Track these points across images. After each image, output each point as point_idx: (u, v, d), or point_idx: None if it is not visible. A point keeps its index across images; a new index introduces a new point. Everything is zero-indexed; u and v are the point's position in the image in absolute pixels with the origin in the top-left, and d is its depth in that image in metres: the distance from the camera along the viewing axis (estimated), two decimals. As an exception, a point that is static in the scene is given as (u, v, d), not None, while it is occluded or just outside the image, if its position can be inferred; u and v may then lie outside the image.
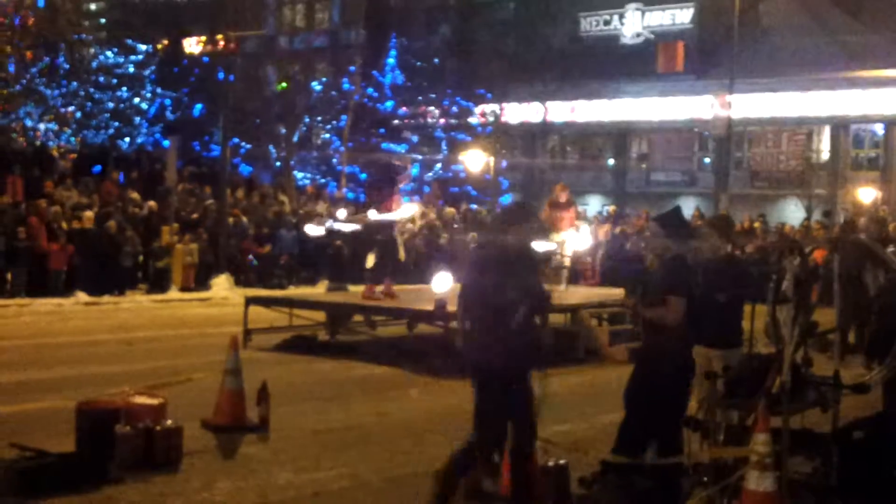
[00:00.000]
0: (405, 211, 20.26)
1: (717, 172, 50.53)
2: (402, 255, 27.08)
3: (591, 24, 58.03)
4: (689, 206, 43.46)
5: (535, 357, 8.26)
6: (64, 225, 26.33)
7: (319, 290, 27.64)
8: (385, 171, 21.42)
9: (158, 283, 27.82)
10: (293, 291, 28.20)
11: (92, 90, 42.28)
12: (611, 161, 58.78)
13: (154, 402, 10.15)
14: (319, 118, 47.77)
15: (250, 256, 30.81)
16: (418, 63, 49.36)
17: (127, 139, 43.28)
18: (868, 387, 9.38)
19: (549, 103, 55.64)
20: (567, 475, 9.00)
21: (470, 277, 8.58)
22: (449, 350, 15.96)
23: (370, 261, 27.27)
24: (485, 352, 8.10)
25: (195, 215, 31.08)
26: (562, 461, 9.02)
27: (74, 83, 41.68)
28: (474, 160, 45.28)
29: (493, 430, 8.17)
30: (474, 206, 43.39)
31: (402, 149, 47.19)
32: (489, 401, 8.14)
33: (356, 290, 23.90)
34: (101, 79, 42.79)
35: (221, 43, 43.13)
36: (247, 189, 36.90)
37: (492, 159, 45.73)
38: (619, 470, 8.89)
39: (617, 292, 19.13)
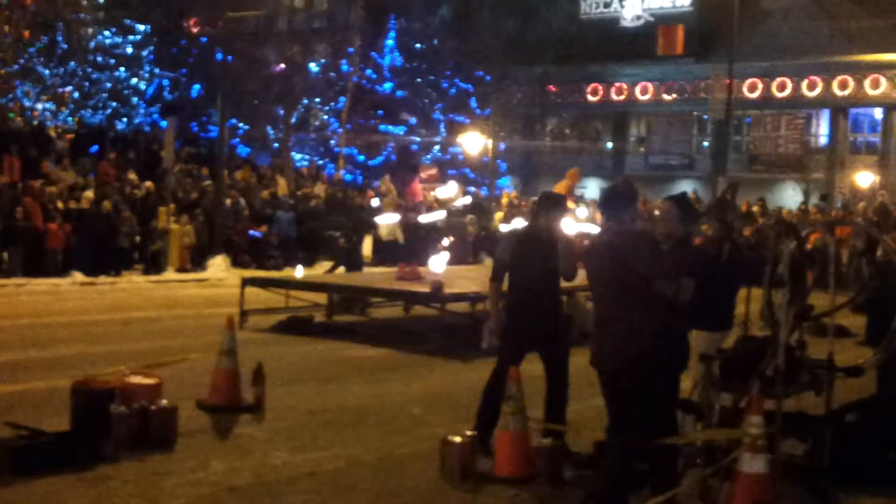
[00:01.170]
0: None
1: (716, 156, 50.54)
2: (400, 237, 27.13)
3: (591, 7, 57.94)
4: (686, 190, 43.40)
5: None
6: (60, 205, 26.33)
7: (317, 272, 27.63)
8: (405, 157, 21.62)
9: (154, 264, 27.79)
10: (290, 273, 28.20)
11: (90, 70, 42.21)
12: (609, 144, 58.75)
13: (149, 381, 10.15)
14: (318, 99, 47.70)
15: (251, 232, 30.80)
16: (417, 45, 49.28)
17: (124, 119, 43.22)
18: (862, 370, 9.41)
19: (548, 85, 55.62)
20: (561, 455, 9.04)
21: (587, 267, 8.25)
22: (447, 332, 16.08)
23: (367, 245, 27.30)
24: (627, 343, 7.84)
25: (193, 196, 31.07)
26: (556, 441, 9.06)
27: (72, 63, 41.60)
28: (473, 142, 45.24)
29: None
30: (472, 189, 43.35)
31: (400, 131, 47.15)
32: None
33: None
34: (99, 59, 42.71)
35: (220, 23, 43.04)
36: (244, 170, 36.86)
37: (490, 142, 45.68)
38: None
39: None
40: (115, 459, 9.02)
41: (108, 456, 9.05)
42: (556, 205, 10.04)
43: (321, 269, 29.08)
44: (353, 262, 27.11)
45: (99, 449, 9.07)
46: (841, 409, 9.27)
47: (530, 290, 9.66)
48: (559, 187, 22.70)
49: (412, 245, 19.96)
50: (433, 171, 43.81)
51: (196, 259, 28.85)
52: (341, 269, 26.72)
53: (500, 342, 9.93)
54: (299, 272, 21.24)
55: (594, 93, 56.76)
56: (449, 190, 23.61)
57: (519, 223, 16.86)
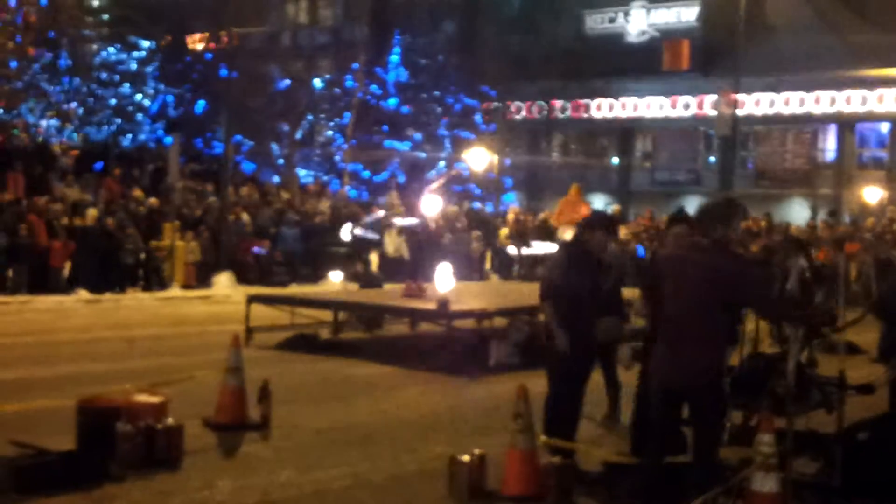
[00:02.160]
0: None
1: (722, 171, 50.46)
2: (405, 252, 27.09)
3: (596, 22, 57.92)
4: (693, 206, 43.39)
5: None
6: (65, 221, 26.29)
7: (322, 289, 27.59)
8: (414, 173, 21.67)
9: (156, 281, 27.66)
10: (295, 290, 28.12)
11: (94, 87, 42.21)
12: (615, 160, 58.70)
13: (155, 400, 10.10)
14: (323, 115, 47.70)
15: (255, 249, 30.75)
16: (422, 60, 49.31)
17: (129, 136, 43.21)
18: (873, 388, 9.34)
19: (553, 101, 55.68)
20: (570, 474, 8.97)
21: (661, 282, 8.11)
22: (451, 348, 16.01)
23: (374, 260, 27.21)
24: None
25: (198, 212, 31.03)
26: (566, 460, 9.00)
27: (76, 79, 41.61)
28: (478, 158, 45.19)
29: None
30: (477, 205, 43.33)
31: (405, 147, 47.14)
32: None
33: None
34: (104, 75, 42.72)
35: (224, 39, 43.10)
36: (248, 186, 36.84)
37: (496, 157, 45.63)
38: (623, 469, 8.84)
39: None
40: (122, 479, 8.98)
41: (115, 475, 9.00)
42: (602, 224, 9.98)
43: (328, 286, 29.01)
44: (373, 281, 27.13)
45: (105, 468, 9.02)
46: (853, 428, 9.19)
47: (583, 307, 9.56)
48: (570, 203, 22.67)
49: (418, 262, 20.06)
50: (441, 181, 43.88)
51: (201, 276, 28.78)
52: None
53: (565, 358, 9.78)
54: (336, 276, 20.83)
55: (599, 108, 56.70)
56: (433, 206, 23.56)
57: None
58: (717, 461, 7.96)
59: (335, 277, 26.18)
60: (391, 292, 21.03)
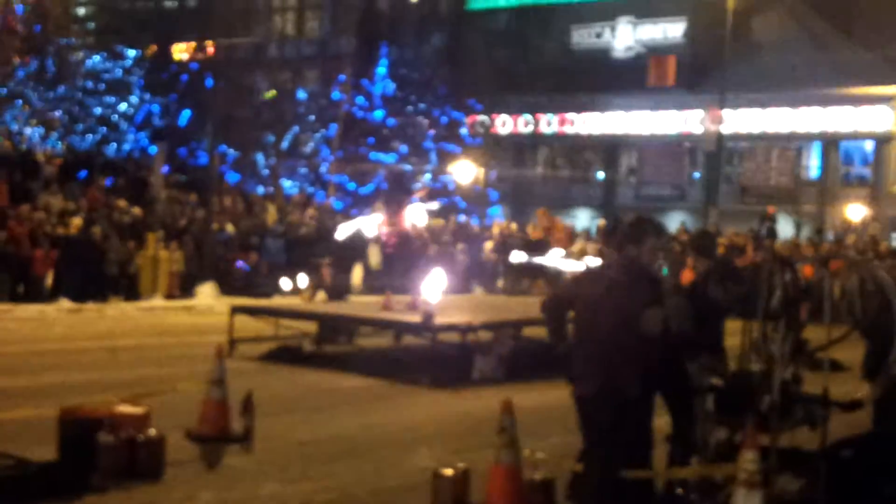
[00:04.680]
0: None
1: (707, 187, 50.52)
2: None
3: (582, 37, 57.95)
4: (678, 221, 43.51)
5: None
6: (49, 229, 26.17)
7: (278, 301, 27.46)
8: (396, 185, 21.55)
9: (133, 290, 27.45)
10: (279, 301, 28.02)
11: (79, 95, 42.15)
12: (600, 174, 58.74)
13: (137, 411, 10.03)
14: (309, 127, 47.63)
15: (240, 263, 30.61)
16: (409, 73, 49.30)
17: (113, 145, 43.11)
18: (857, 405, 9.33)
19: (539, 115, 55.73)
20: (554, 489, 8.94)
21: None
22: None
23: (357, 273, 27.13)
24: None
25: (182, 222, 30.92)
26: (548, 475, 8.96)
27: (62, 88, 41.54)
28: (464, 171, 45.18)
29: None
30: (462, 218, 43.28)
31: (391, 159, 47.11)
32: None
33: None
34: (89, 84, 42.66)
35: (210, 50, 43.09)
36: (233, 197, 36.73)
37: (481, 171, 45.61)
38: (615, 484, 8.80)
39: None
40: (103, 490, 8.93)
41: (96, 486, 8.96)
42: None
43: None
44: (339, 292, 27.04)
45: (86, 479, 8.97)
46: (837, 445, 9.18)
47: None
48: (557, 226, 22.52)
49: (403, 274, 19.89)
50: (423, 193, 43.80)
51: (184, 286, 28.65)
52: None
53: None
54: (286, 284, 20.60)
55: (585, 123, 56.72)
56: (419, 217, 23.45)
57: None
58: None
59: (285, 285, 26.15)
60: (367, 304, 20.99)
